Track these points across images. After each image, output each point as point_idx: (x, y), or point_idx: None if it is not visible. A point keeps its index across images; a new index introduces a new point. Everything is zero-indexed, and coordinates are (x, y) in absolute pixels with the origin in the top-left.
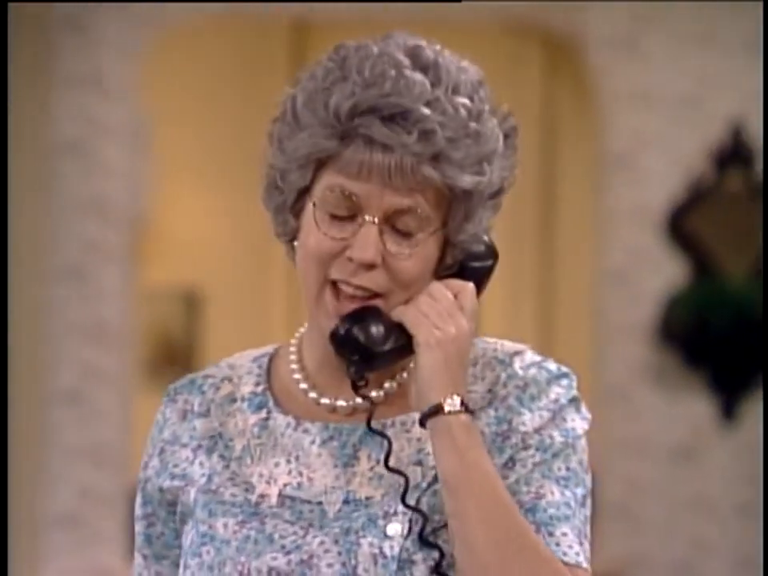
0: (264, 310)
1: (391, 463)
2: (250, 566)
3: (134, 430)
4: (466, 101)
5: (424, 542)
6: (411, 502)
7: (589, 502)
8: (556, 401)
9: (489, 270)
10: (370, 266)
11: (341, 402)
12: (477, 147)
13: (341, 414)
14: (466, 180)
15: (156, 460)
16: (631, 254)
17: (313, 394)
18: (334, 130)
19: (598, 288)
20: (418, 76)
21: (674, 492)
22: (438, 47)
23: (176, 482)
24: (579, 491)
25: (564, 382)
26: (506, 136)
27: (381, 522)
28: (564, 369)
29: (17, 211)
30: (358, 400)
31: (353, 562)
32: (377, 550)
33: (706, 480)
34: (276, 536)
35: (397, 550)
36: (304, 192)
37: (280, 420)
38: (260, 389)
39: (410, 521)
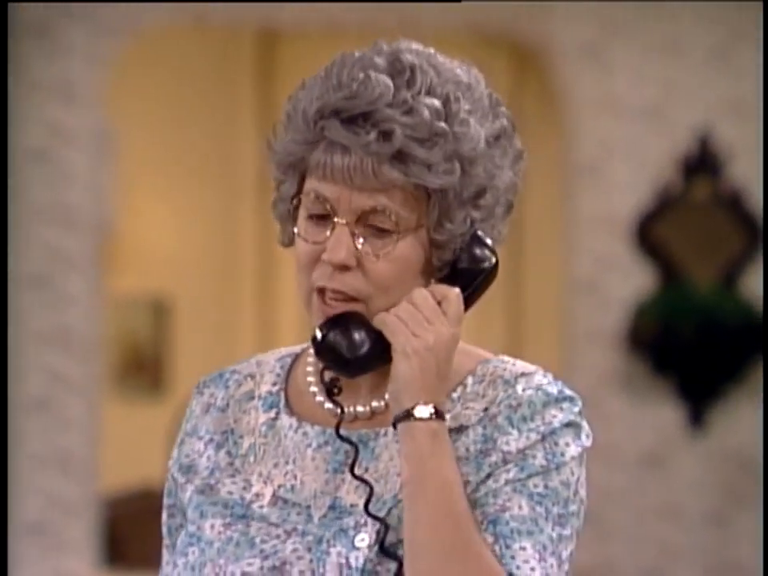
0: (232, 318)
1: (378, 472)
2: (226, 570)
3: (101, 438)
4: (435, 101)
5: (384, 552)
6: (382, 512)
7: (573, 523)
8: (549, 423)
9: (486, 274)
10: (344, 268)
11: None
12: (446, 147)
13: (343, 420)
14: (433, 179)
15: (176, 451)
16: (599, 261)
17: (320, 398)
18: (304, 135)
19: (566, 295)
20: (384, 78)
21: (642, 499)
22: (430, 51)
23: (181, 475)
24: (556, 509)
25: (564, 405)
26: (497, 137)
27: (351, 532)
28: (568, 392)
29: None
30: (359, 408)
31: (321, 570)
32: (343, 560)
33: (674, 487)
34: (257, 540)
35: (362, 561)
36: (295, 198)
37: (285, 421)
38: (276, 388)
39: (377, 531)
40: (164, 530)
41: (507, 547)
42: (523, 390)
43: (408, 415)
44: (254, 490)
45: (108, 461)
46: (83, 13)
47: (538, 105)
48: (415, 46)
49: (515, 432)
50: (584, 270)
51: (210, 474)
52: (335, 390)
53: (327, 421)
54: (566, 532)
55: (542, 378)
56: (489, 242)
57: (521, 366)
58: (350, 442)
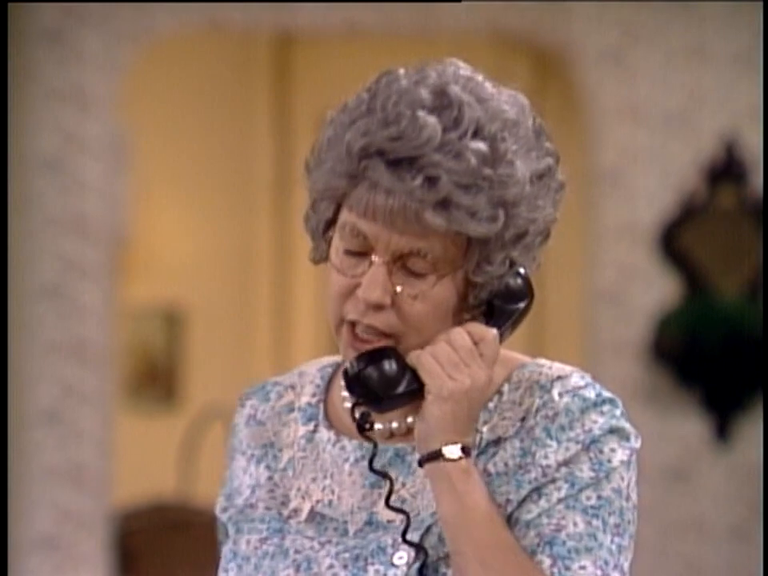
0: (247, 328)
1: (416, 487)
2: None
3: (114, 451)
4: (481, 145)
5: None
6: (420, 530)
7: (630, 530)
8: (589, 431)
9: (522, 311)
10: (378, 307)
11: (378, 426)
12: (491, 192)
13: (379, 437)
14: (476, 227)
15: (228, 468)
16: (622, 271)
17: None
18: (345, 167)
19: (588, 306)
20: (431, 119)
21: (666, 513)
22: (478, 79)
23: (223, 499)
24: (612, 519)
25: (605, 408)
26: (540, 176)
27: (389, 550)
28: (606, 394)
29: None
30: (394, 424)
31: None
32: None
33: (699, 501)
34: (291, 551)
35: None
36: (331, 223)
37: (324, 434)
38: (315, 400)
39: (416, 549)
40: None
41: (567, 568)
42: (559, 395)
43: (437, 456)
44: (292, 505)
45: (120, 473)
46: (97, 19)
47: (560, 110)
48: (463, 71)
49: (554, 443)
50: (606, 280)
51: (252, 493)
52: (367, 426)
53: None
54: (625, 542)
55: (578, 380)
56: (525, 275)
57: (557, 368)
58: (384, 475)
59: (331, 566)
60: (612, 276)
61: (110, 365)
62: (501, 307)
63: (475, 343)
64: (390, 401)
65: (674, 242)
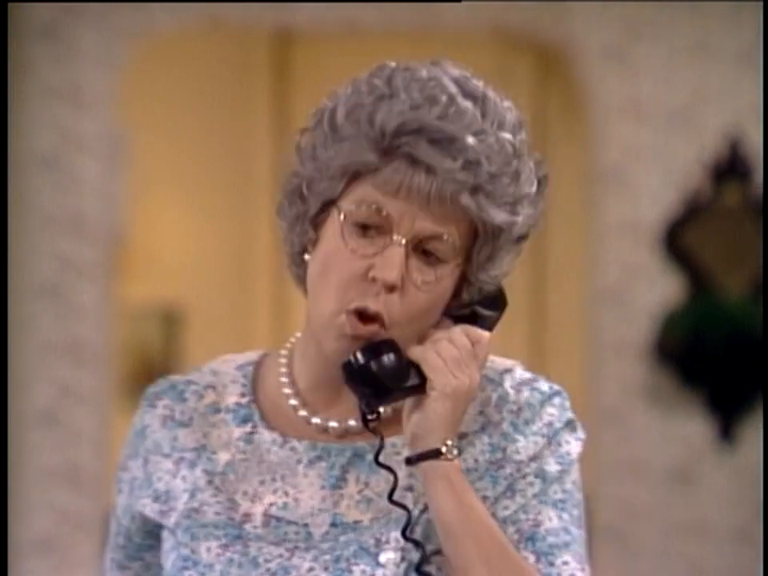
0: (246, 328)
1: (381, 486)
2: None
3: (111, 452)
4: (510, 137)
5: (421, 573)
6: (397, 529)
7: (584, 521)
8: (550, 424)
9: (498, 319)
10: (391, 288)
11: (333, 423)
12: (514, 187)
13: (331, 435)
14: (501, 217)
15: (140, 470)
16: (625, 270)
17: (303, 412)
18: (377, 144)
19: (590, 306)
20: (469, 104)
21: (669, 515)
22: (482, 82)
23: (158, 505)
24: (576, 512)
25: (556, 401)
26: (539, 181)
27: (373, 550)
28: (555, 387)
29: None
30: (351, 422)
31: None
32: None
33: (703, 503)
34: (261, 559)
35: None
36: (329, 203)
37: (266, 436)
38: (245, 400)
39: (402, 549)
40: (111, 541)
41: (552, 564)
42: (513, 389)
43: (436, 454)
44: (242, 509)
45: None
46: (95, 16)
47: (562, 108)
48: (465, 70)
49: (522, 438)
50: (609, 280)
51: (192, 497)
52: (374, 417)
53: (312, 435)
54: (584, 532)
55: (524, 373)
56: (500, 284)
57: (499, 362)
58: (390, 470)
59: (311, 569)
60: (615, 275)
61: (107, 365)
62: (483, 314)
63: (472, 345)
64: (395, 393)
65: (677, 241)
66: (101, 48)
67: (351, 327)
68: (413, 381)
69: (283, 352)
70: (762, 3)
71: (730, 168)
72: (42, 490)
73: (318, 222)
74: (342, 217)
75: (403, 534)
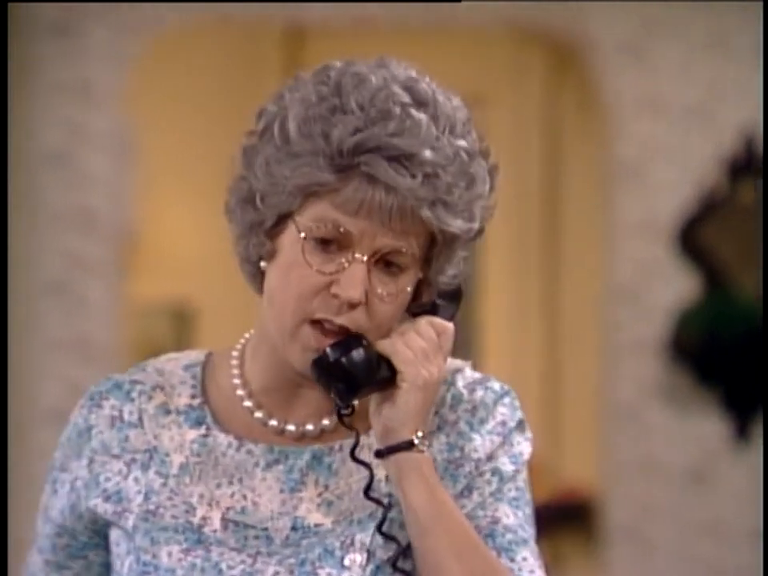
0: None
1: (340, 488)
2: None
3: None
4: (463, 143)
5: (397, 569)
6: (370, 528)
7: (533, 519)
8: (504, 423)
9: (457, 311)
10: (354, 305)
11: (290, 427)
12: (469, 192)
13: (287, 438)
14: (458, 225)
15: (84, 470)
16: (640, 267)
17: (259, 414)
18: (332, 162)
19: (605, 303)
20: (423, 116)
21: (685, 515)
22: (428, 79)
23: (111, 505)
24: (528, 510)
25: (507, 400)
26: (490, 174)
27: (338, 553)
28: (505, 386)
29: None
30: (309, 426)
31: None
32: None
33: (719, 503)
34: (223, 565)
35: None
36: (285, 216)
37: (221, 439)
38: (196, 402)
39: (368, 551)
40: (45, 542)
41: (512, 560)
42: (466, 388)
43: (409, 446)
44: (200, 513)
45: None
46: (103, 11)
47: (577, 105)
48: (409, 69)
49: (478, 437)
50: (624, 277)
51: (146, 499)
52: (348, 412)
53: (268, 438)
54: (535, 530)
55: (474, 372)
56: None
57: (449, 361)
58: (366, 465)
59: (276, 573)
60: (630, 272)
61: (116, 363)
62: (444, 306)
63: (437, 336)
64: (366, 387)
65: (693, 238)
66: (110, 44)
67: (316, 341)
68: (384, 374)
69: (234, 353)
70: (761, 4)
71: (746, 164)
72: None
73: (273, 233)
74: (302, 234)
75: (379, 529)
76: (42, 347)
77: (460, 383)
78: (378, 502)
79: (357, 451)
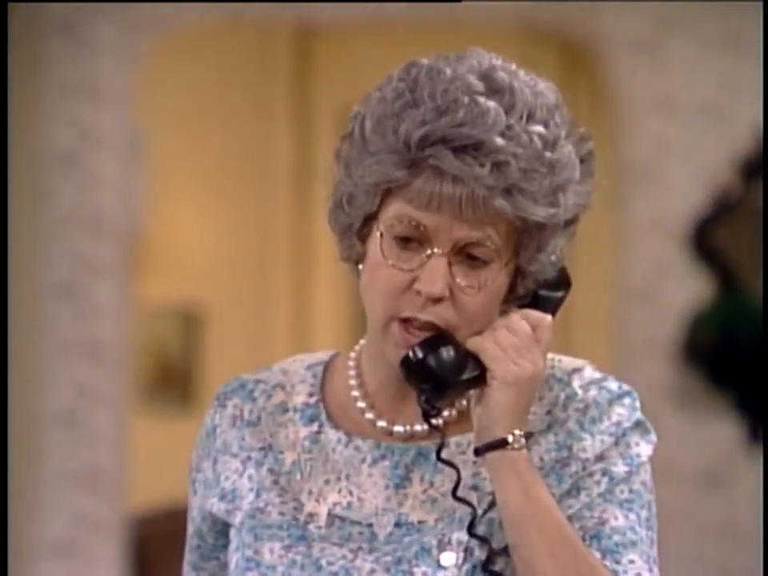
0: (266, 327)
1: (446, 486)
2: None
3: (129, 454)
4: (540, 128)
5: (489, 571)
6: (462, 528)
7: (654, 523)
8: (618, 424)
9: (562, 300)
10: (438, 300)
11: (398, 428)
12: (551, 177)
13: (396, 438)
14: (540, 212)
15: (210, 471)
16: (653, 268)
17: (370, 415)
18: (402, 158)
19: (618, 304)
20: (492, 103)
21: (699, 519)
22: (512, 67)
23: (224, 504)
24: (644, 513)
25: (626, 401)
26: (582, 161)
27: (434, 551)
28: (625, 387)
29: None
30: (417, 427)
31: None
32: None
33: (733, 506)
34: (323, 561)
35: None
36: (371, 217)
37: (331, 435)
38: (313, 400)
39: (465, 550)
40: (188, 542)
41: (617, 562)
42: (582, 388)
43: (503, 444)
44: (307, 509)
45: (136, 476)
46: (113, 11)
47: (590, 103)
48: (496, 58)
49: (588, 437)
50: (637, 278)
51: (257, 497)
52: (434, 413)
53: (377, 435)
54: (654, 535)
55: (593, 372)
56: (561, 263)
57: (567, 361)
58: (453, 466)
59: (373, 571)
60: (643, 273)
61: (125, 365)
62: (545, 296)
63: (532, 329)
64: (454, 387)
65: (706, 239)
66: (119, 44)
67: (402, 339)
68: (472, 372)
69: (352, 354)
70: (761, 4)
71: (760, 164)
72: (58, 493)
73: (363, 235)
74: (379, 233)
75: (469, 530)
76: (51, 349)
77: (576, 383)
78: (466, 502)
79: (447, 452)
